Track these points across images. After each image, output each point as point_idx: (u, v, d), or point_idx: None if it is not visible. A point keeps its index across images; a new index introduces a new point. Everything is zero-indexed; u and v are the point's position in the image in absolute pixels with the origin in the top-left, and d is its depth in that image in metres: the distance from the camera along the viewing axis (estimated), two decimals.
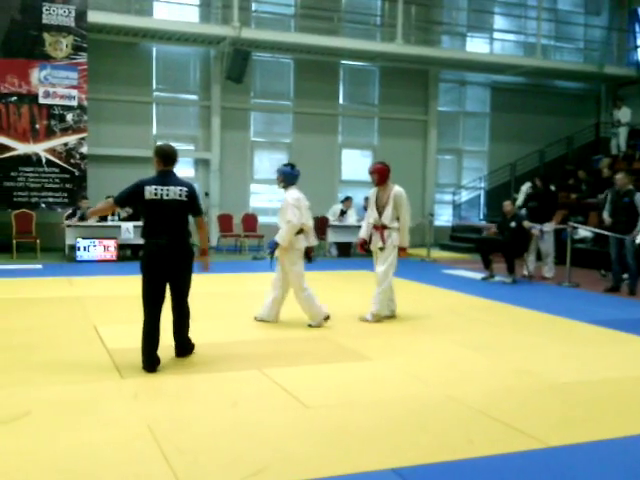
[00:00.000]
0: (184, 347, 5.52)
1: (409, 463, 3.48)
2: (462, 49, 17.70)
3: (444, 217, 18.20)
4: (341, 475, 3.33)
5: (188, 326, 5.53)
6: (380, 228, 7.25)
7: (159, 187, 5.15)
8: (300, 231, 6.87)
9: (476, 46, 18.03)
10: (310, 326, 6.84)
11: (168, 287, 5.27)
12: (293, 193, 6.94)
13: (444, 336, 6.56)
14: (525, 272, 11.05)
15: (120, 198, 5.31)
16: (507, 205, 10.99)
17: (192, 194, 5.29)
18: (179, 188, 5.20)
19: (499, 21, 18.47)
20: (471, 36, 18.03)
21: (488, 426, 4.05)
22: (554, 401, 4.61)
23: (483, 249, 11.00)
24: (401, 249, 7.27)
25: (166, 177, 5.24)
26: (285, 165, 7.23)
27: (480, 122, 18.53)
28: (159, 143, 5.53)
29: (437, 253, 14.87)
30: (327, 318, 6.93)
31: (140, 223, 12.68)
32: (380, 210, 7.28)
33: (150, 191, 5.13)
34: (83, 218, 12.12)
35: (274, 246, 6.80)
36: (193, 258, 5.34)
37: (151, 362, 5.08)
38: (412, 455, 3.59)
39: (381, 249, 7.27)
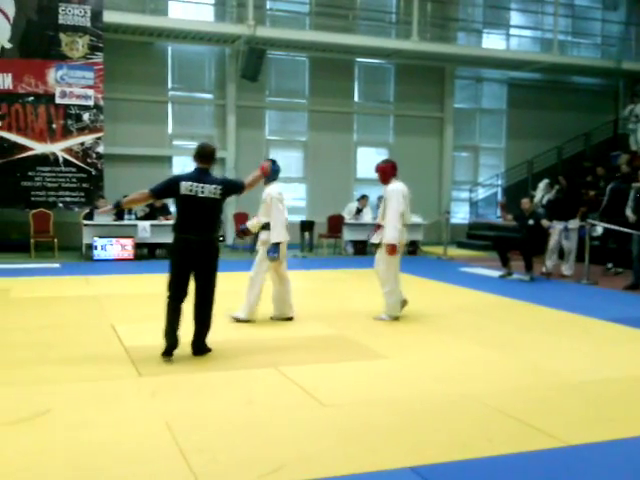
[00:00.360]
0: (201, 349, 5.56)
1: (427, 461, 3.45)
2: (478, 45, 17.61)
3: (460, 214, 18.11)
4: (359, 473, 3.31)
5: (207, 331, 5.57)
6: (377, 226, 7.23)
7: (195, 184, 5.31)
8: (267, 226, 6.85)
9: (492, 42, 17.93)
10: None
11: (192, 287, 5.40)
12: (275, 188, 6.92)
13: (461, 334, 6.52)
14: (543, 269, 10.95)
15: (156, 190, 5.44)
16: (525, 203, 10.90)
17: (226, 186, 5.51)
18: (214, 186, 5.37)
19: (515, 17, 18.35)
20: (487, 32, 17.92)
21: (507, 424, 4.02)
22: (573, 399, 4.56)
23: (501, 247, 10.92)
24: (388, 246, 6.92)
25: (202, 175, 5.41)
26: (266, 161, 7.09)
27: (497, 119, 18.41)
28: (203, 142, 5.81)
29: (454, 251, 14.79)
30: (245, 321, 6.82)
31: (156, 222, 12.77)
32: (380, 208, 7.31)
33: (186, 186, 5.29)
34: (94, 211, 11.90)
35: (276, 250, 6.70)
36: (219, 257, 5.50)
37: (171, 349, 5.30)
38: (430, 453, 3.56)
39: (377, 247, 7.21)
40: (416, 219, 14.48)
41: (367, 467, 3.38)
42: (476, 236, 16.32)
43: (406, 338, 6.38)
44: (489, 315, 7.58)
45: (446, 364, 5.40)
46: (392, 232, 6.89)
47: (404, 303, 7.26)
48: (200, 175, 5.39)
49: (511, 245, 10.77)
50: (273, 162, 7.01)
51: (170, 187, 5.38)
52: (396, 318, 7.11)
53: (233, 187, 5.82)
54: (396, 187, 7.05)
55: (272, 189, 6.88)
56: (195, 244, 5.27)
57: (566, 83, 18.46)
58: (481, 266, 12.29)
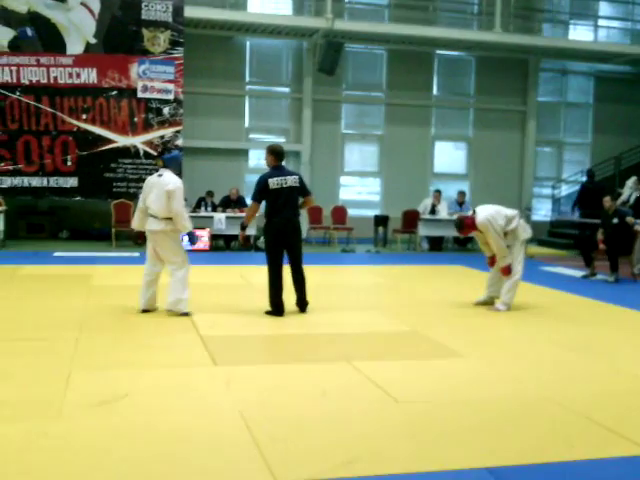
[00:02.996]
0: (304, 302, 6.79)
1: (503, 463, 3.32)
2: (564, 37, 16.98)
3: (542, 211, 17.54)
4: (432, 471, 3.22)
5: (305, 285, 6.76)
6: None
7: (279, 178, 6.55)
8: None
9: (579, 34, 17.27)
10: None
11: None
12: None
13: (541, 335, 6.28)
14: (635, 270, 10.38)
15: (256, 197, 6.66)
16: (606, 201, 10.43)
17: (301, 180, 6.78)
18: (292, 177, 6.64)
19: (604, 7, 17.59)
20: (574, 23, 17.27)
21: (589, 430, 3.82)
22: None
23: (584, 246, 10.49)
24: (503, 268, 7.28)
25: (281, 170, 6.67)
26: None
27: (583, 113, 17.73)
28: (274, 143, 7.38)
29: (535, 249, 14.32)
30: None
31: (232, 214, 12.94)
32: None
33: (273, 182, 6.52)
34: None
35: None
36: (301, 231, 6.85)
37: (279, 308, 6.57)
38: (507, 455, 3.42)
39: None
40: None
41: (440, 465, 3.28)
42: (558, 234, 15.79)
43: (483, 337, 6.19)
44: (570, 316, 7.28)
45: (524, 365, 5.20)
46: (501, 256, 7.20)
47: (491, 300, 7.50)
48: (279, 171, 6.62)
49: (595, 244, 10.33)
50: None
51: (264, 188, 6.53)
52: (509, 308, 7.31)
53: (304, 185, 6.85)
54: (483, 217, 7.17)
55: None
56: (285, 224, 6.55)
57: None
58: (563, 265, 11.86)
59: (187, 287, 6.54)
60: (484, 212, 7.21)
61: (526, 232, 7.38)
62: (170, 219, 6.42)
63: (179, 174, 6.92)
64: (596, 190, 13.24)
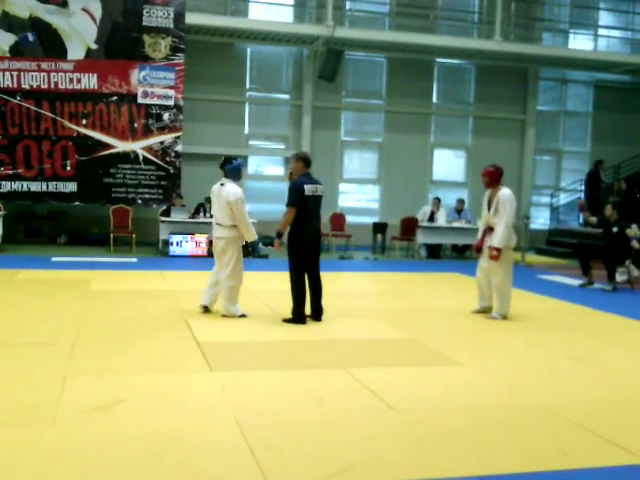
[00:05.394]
0: (321, 311, 6.81)
1: (497, 471, 3.32)
2: (564, 46, 17.04)
3: (540, 220, 17.56)
4: (426, 479, 3.21)
5: (321, 296, 6.82)
6: (489, 230, 7.38)
7: (312, 185, 6.64)
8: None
9: (579, 43, 17.33)
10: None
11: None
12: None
13: (538, 343, 6.27)
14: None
15: (295, 201, 6.58)
16: (608, 209, 10.44)
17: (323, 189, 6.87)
18: (321, 186, 6.78)
19: (604, 17, 17.65)
20: (574, 32, 17.33)
21: (584, 439, 3.82)
22: None
23: (582, 254, 10.50)
24: (495, 249, 7.17)
25: (311, 177, 6.73)
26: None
27: (582, 122, 17.78)
28: (301, 151, 7.60)
29: (533, 257, 14.34)
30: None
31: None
32: (490, 212, 7.37)
33: (309, 189, 6.58)
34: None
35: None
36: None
37: (303, 317, 6.64)
38: (502, 463, 3.42)
39: (480, 251, 7.56)
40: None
41: (435, 473, 3.28)
42: (556, 243, 15.79)
43: (480, 345, 6.18)
44: (567, 325, 7.27)
45: (521, 373, 5.19)
46: (502, 236, 7.14)
47: (489, 309, 7.54)
48: (310, 178, 6.70)
49: (593, 253, 10.33)
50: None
51: (301, 194, 6.54)
52: (505, 317, 7.31)
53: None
54: (508, 192, 7.31)
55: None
56: (315, 233, 6.74)
57: None
58: (561, 274, 11.85)
59: (236, 295, 6.91)
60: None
61: (512, 239, 7.40)
62: (235, 226, 6.78)
63: (239, 181, 7.00)
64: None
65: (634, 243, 10.06)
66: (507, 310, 7.35)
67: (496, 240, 7.14)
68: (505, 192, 7.28)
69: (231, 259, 6.79)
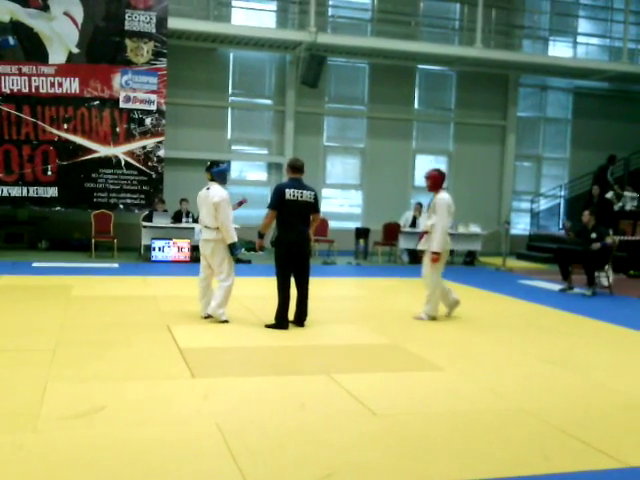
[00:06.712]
0: (304, 316, 6.82)
1: (479, 476, 3.34)
2: (544, 53, 17.24)
3: (521, 225, 17.71)
4: None
5: (307, 302, 6.81)
6: (425, 232, 7.62)
7: (295, 190, 6.62)
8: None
9: (559, 50, 17.52)
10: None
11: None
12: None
13: (519, 348, 6.33)
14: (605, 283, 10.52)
15: (274, 204, 6.67)
16: (585, 215, 10.57)
17: (316, 196, 6.82)
18: (309, 192, 6.72)
19: (583, 24, 17.89)
20: (554, 40, 17.53)
21: (564, 442, 3.86)
22: (635, 420, 4.34)
23: (562, 259, 10.61)
24: (433, 254, 7.35)
25: (298, 183, 6.73)
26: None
27: (561, 128, 17.98)
28: (291, 157, 7.40)
29: (513, 262, 14.45)
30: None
31: None
32: (430, 216, 7.61)
33: (289, 193, 6.59)
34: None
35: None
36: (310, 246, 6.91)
37: (285, 323, 6.63)
38: (483, 468, 3.45)
39: (423, 252, 7.69)
40: (474, 229, 14.24)
41: (417, 478, 3.30)
42: (536, 248, 15.93)
43: (462, 350, 6.23)
44: (548, 329, 7.35)
45: (502, 378, 5.24)
46: (438, 241, 7.32)
47: (456, 303, 7.69)
48: (297, 184, 6.69)
49: (573, 258, 10.45)
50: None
51: (280, 196, 6.59)
52: (434, 318, 7.46)
53: (317, 202, 6.88)
54: (446, 197, 7.51)
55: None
56: (298, 238, 6.64)
57: (635, 93, 17.86)
58: (541, 279, 11.97)
59: (229, 297, 6.88)
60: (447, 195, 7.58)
61: (447, 243, 7.54)
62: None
63: (225, 184, 7.01)
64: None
65: (595, 245, 10.13)
66: (436, 312, 7.52)
67: (434, 245, 7.33)
68: (443, 196, 7.48)
69: (223, 261, 6.82)
